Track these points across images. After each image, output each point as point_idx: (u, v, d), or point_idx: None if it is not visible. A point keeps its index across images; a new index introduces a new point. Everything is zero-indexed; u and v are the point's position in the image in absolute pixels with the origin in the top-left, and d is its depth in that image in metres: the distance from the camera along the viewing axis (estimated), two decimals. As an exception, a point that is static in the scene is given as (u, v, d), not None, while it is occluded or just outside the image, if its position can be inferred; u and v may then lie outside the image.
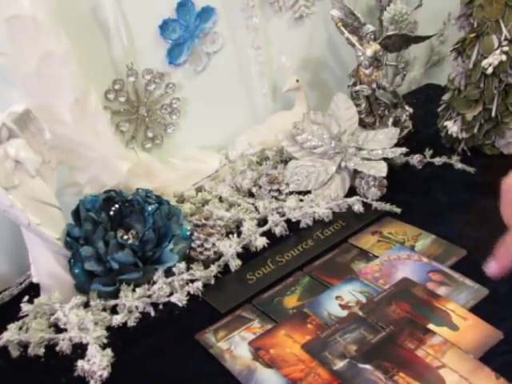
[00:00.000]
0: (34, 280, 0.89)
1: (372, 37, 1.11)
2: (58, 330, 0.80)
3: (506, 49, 1.01)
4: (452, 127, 1.12)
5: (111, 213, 0.90)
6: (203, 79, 1.14)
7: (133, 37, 1.03)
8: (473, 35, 1.05)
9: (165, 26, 1.05)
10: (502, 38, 1.02)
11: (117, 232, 0.89)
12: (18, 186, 0.83)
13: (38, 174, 0.86)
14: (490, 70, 1.03)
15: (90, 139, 0.97)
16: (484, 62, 1.03)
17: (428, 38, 1.20)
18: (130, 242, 0.88)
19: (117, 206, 0.91)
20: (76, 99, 0.93)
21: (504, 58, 1.01)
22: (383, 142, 1.07)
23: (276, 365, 0.74)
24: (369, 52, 1.11)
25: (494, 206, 0.99)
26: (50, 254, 0.87)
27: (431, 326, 0.76)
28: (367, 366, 0.71)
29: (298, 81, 1.18)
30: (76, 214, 0.90)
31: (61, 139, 0.93)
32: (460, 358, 0.71)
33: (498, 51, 1.02)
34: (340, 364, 0.72)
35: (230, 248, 0.92)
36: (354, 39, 1.11)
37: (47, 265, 0.87)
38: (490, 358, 0.70)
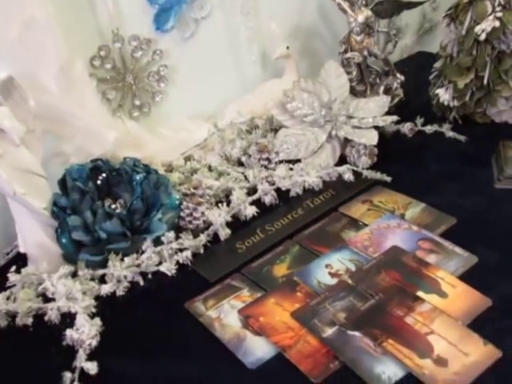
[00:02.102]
0: (21, 250, 0.88)
1: (363, 2, 1.09)
2: (46, 299, 0.80)
3: (499, 14, 1.00)
4: (443, 95, 1.11)
5: (98, 182, 0.89)
6: (191, 46, 1.12)
7: (118, 1, 1.00)
8: (466, 1, 1.04)
9: (151, -9, 1.02)
10: (496, 3, 1.01)
11: (104, 201, 0.88)
12: (2, 156, 0.81)
13: (22, 143, 0.84)
14: (483, 37, 1.01)
15: (76, 108, 0.95)
16: (477, 28, 1.02)
17: (420, 3, 1.18)
18: (117, 211, 0.87)
19: (104, 175, 0.89)
20: (61, 67, 0.90)
21: (497, 24, 1.00)
22: (374, 110, 1.06)
23: (265, 333, 0.74)
24: (360, 18, 1.09)
25: (484, 174, 0.99)
26: (37, 224, 0.86)
27: (420, 294, 0.76)
28: (356, 333, 0.71)
29: (288, 48, 1.16)
30: (62, 183, 0.88)
31: (46, 108, 0.91)
32: (448, 325, 0.71)
33: (491, 17, 1.01)
34: (329, 331, 0.72)
35: (219, 217, 0.91)
36: (345, 5, 1.09)
37: (34, 235, 0.86)
38: (479, 324, 0.71)
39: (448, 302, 0.75)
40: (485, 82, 1.06)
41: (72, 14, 0.93)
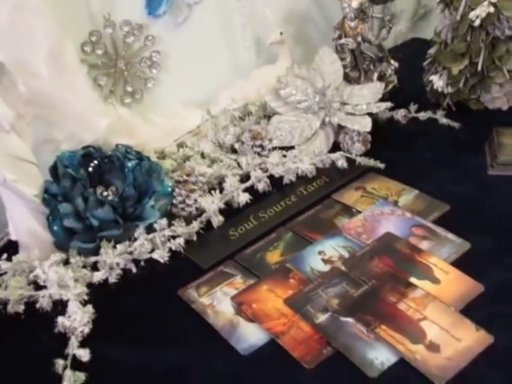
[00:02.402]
0: (13, 238, 0.88)
1: (358, -12, 1.08)
2: (38, 287, 0.79)
3: (494, 0, 0.99)
4: (437, 82, 1.10)
5: (90, 169, 0.88)
6: (184, 32, 1.10)
7: (109, -15, 0.99)
8: (461, -14, 1.03)
9: (143, -25, 1.01)
10: (491, -11, 1.00)
11: (96, 188, 0.87)
12: (-9, 142, 0.81)
13: (12, 130, 0.84)
14: (477, 23, 1.01)
15: (67, 93, 0.94)
16: (472, 14, 1.01)
17: (415, -11, 1.17)
18: (109, 198, 0.86)
19: (96, 162, 0.89)
20: (51, 52, 0.89)
21: (492, 9, 0.99)
22: (368, 96, 1.06)
23: (258, 319, 0.74)
24: (354, 4, 1.08)
25: (477, 161, 0.99)
26: (28, 211, 0.85)
27: (413, 280, 0.76)
28: (349, 320, 0.71)
29: (281, 34, 1.15)
30: (54, 170, 0.87)
31: (36, 93, 0.90)
32: (441, 311, 0.71)
33: (485, 3, 1.00)
34: (322, 318, 0.72)
35: (212, 204, 0.91)
36: (339, -10, 1.08)
37: (25, 222, 0.85)
38: (471, 310, 0.71)
39: (441, 288, 0.75)
40: (479, 68, 1.06)
41: (62, -1, 0.92)
